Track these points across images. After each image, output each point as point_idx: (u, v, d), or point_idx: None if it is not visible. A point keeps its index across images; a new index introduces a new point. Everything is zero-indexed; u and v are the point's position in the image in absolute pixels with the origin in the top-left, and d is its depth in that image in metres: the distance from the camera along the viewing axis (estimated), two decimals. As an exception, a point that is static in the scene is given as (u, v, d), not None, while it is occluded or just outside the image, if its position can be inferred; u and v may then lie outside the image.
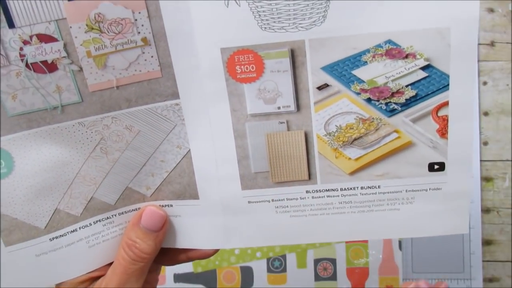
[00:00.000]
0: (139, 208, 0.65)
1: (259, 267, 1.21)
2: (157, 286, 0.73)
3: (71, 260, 0.64)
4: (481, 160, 1.15)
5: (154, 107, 0.59)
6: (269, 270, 1.20)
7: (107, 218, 0.64)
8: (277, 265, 1.20)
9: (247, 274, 1.21)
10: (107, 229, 0.65)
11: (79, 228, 0.63)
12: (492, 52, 1.15)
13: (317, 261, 1.19)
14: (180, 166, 0.63)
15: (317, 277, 1.19)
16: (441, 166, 0.60)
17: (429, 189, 0.61)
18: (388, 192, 0.62)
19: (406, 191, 0.61)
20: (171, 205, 0.65)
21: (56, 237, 0.63)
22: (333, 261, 1.19)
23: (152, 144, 0.62)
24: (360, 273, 1.19)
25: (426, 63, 0.56)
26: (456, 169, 0.60)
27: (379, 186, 0.62)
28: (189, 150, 0.62)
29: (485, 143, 1.15)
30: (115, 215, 0.64)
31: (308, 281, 1.20)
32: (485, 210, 1.16)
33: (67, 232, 0.63)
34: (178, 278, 1.21)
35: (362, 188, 0.62)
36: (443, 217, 0.62)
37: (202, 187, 0.63)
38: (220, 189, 0.63)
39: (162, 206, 0.65)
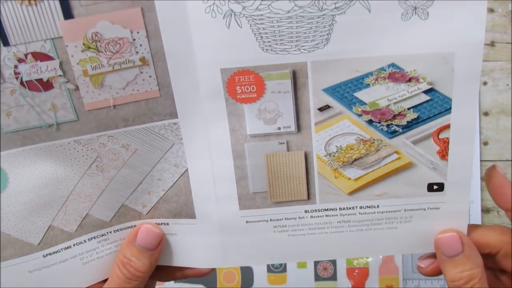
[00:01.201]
0: (134, 226, 0.64)
1: (259, 267, 1.20)
2: (157, 286, 0.73)
3: (65, 277, 0.63)
4: (481, 160, 1.15)
5: (151, 126, 0.58)
6: (269, 270, 1.20)
7: (102, 235, 0.63)
8: (277, 265, 1.19)
9: (247, 274, 1.20)
10: (102, 246, 0.63)
11: (73, 245, 0.62)
12: (492, 52, 1.14)
13: (317, 261, 1.19)
14: (177, 185, 0.62)
15: (317, 277, 1.19)
16: (440, 187, 0.60)
17: (428, 208, 0.60)
18: (386, 212, 0.61)
19: (404, 210, 0.61)
20: (167, 223, 0.64)
21: (50, 254, 0.61)
22: (333, 261, 1.19)
23: (149, 162, 0.61)
24: (360, 273, 1.19)
25: (429, 86, 0.55)
26: (455, 190, 0.60)
27: (378, 206, 0.61)
28: (187, 169, 0.61)
29: (485, 143, 1.15)
30: (110, 232, 0.63)
31: (308, 281, 1.19)
32: (485, 210, 1.16)
33: (61, 249, 0.62)
34: (178, 277, 1.20)
35: (361, 207, 0.61)
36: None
37: (199, 206, 0.62)
38: (218, 209, 0.62)
39: (158, 224, 0.64)
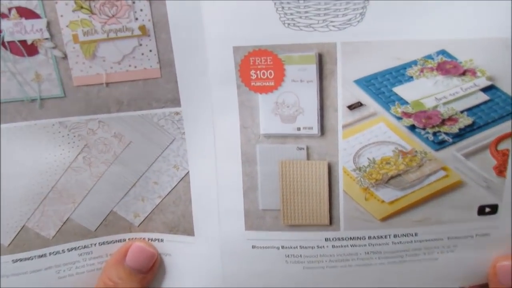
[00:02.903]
0: (124, 240, 0.55)
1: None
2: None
3: (35, 290, 0.55)
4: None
5: (149, 114, 0.50)
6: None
7: (85, 247, 0.55)
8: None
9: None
10: (83, 260, 0.55)
11: (49, 253, 0.54)
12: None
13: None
14: (176, 192, 0.53)
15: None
16: (493, 209, 0.50)
17: (476, 235, 0.51)
18: (426, 240, 0.51)
19: (448, 238, 0.51)
20: (162, 240, 0.54)
21: (21, 260, 0.53)
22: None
23: (144, 160, 0.52)
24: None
25: (489, 83, 0.45)
26: (510, 213, 0.50)
27: (416, 234, 0.51)
28: (188, 173, 0.51)
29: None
30: (95, 245, 0.54)
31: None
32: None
33: (34, 256, 0.54)
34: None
35: (395, 236, 0.51)
36: (487, 266, 0.52)
37: (199, 221, 0.53)
38: (220, 226, 0.52)
39: (152, 240, 0.54)
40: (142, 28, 0.46)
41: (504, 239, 0.51)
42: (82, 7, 0.45)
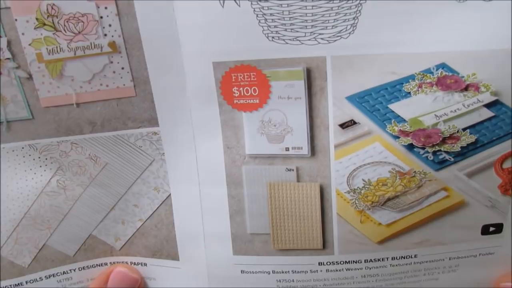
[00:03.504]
0: (105, 264, 0.51)
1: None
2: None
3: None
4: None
5: (125, 134, 0.46)
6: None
7: (64, 273, 0.51)
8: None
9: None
10: (63, 287, 0.51)
11: (26, 282, 0.51)
12: None
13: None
14: (157, 215, 0.49)
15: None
16: (498, 228, 0.47)
17: (479, 254, 0.48)
18: (426, 262, 0.48)
19: (449, 258, 0.48)
20: (145, 264, 0.51)
21: None
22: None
23: (122, 182, 0.48)
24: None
25: (494, 98, 0.41)
26: None
27: (415, 256, 0.48)
28: (169, 195, 0.48)
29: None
30: (74, 270, 0.51)
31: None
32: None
33: (10, 286, 0.50)
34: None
35: (393, 258, 0.47)
36: (490, 284, 0.49)
37: (184, 245, 0.49)
38: (206, 251, 0.48)
39: (135, 264, 0.51)
40: (112, 44, 0.42)
41: (508, 257, 0.48)
42: (44, 24, 0.41)
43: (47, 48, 0.42)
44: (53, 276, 0.51)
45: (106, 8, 0.40)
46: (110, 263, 0.51)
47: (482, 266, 0.48)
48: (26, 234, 0.49)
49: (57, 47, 0.42)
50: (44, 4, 0.40)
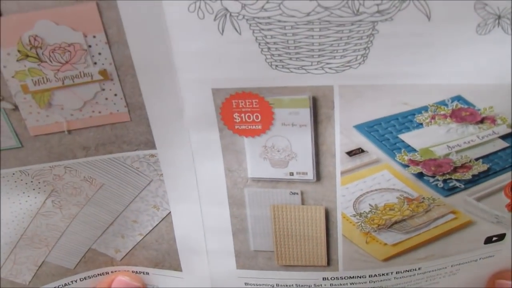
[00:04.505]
0: (107, 273, 0.50)
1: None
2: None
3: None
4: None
5: (121, 157, 0.43)
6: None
7: (65, 284, 0.50)
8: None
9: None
10: (66, 295, 0.51)
11: None
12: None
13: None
14: (158, 231, 0.48)
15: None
16: (500, 237, 0.46)
17: (480, 258, 0.48)
18: (429, 271, 0.48)
19: (451, 266, 0.48)
20: (147, 273, 0.50)
21: None
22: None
23: (120, 201, 0.46)
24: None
25: (510, 130, 0.38)
26: None
27: (419, 268, 0.47)
28: (169, 213, 0.46)
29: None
30: (76, 281, 0.50)
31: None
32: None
33: None
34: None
35: (397, 272, 0.47)
36: (485, 278, 0.50)
37: (186, 258, 0.48)
38: (210, 264, 0.47)
39: (137, 272, 0.50)
40: (103, 72, 0.38)
41: (509, 257, 0.48)
42: (28, 56, 0.37)
43: (32, 79, 0.38)
44: (55, 288, 0.50)
45: (94, 37, 0.37)
46: (111, 272, 0.51)
47: (482, 268, 0.49)
48: (24, 254, 0.48)
49: (43, 78, 0.38)
50: (26, 36, 0.36)
